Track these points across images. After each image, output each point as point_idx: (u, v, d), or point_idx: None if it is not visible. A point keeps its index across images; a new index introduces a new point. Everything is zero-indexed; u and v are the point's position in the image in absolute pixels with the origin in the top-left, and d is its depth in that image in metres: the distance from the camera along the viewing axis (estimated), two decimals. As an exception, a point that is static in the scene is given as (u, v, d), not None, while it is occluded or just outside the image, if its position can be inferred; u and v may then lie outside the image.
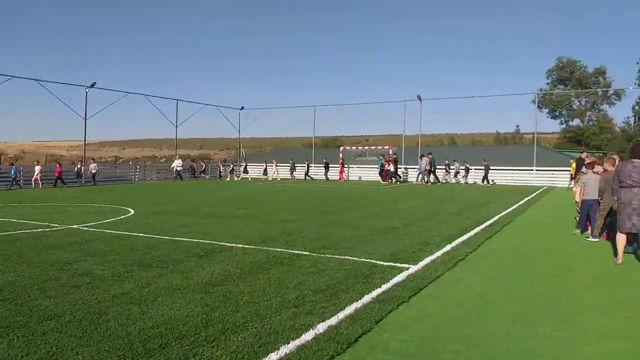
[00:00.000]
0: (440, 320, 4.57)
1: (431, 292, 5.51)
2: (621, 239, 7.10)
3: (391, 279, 5.86)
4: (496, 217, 12.33)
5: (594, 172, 9.60)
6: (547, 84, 59.41)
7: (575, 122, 58.62)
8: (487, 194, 21.66)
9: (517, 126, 64.88)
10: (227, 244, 8.19)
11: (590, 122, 56.99)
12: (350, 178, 35.02)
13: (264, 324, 4.30)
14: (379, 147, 35.89)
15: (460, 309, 4.92)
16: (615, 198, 7.58)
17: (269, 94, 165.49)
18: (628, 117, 55.58)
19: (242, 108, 41.10)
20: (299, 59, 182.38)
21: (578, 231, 9.85)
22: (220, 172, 36.86)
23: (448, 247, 8.07)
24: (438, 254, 7.49)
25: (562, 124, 59.92)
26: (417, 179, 30.24)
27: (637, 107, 53.26)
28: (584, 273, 6.69)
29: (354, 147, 40.88)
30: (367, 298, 5.10)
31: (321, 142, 55.88)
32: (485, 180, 29.59)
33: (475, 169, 30.78)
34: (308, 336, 3.99)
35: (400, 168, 32.18)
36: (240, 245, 8.03)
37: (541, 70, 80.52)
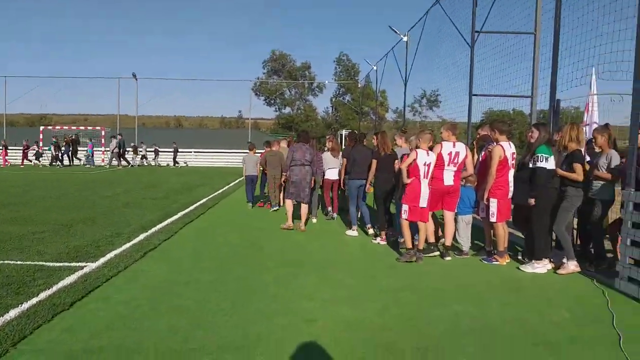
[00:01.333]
0: (99, 329, 4.02)
1: (104, 292, 4.91)
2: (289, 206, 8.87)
3: (56, 284, 4.98)
4: (203, 200, 12.41)
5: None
6: (264, 73, 64.44)
7: (287, 110, 65.49)
8: (199, 177, 21.89)
9: (240, 111, 68.77)
10: None
11: (299, 111, 64.55)
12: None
13: None
14: (96, 128, 32.49)
15: (131, 309, 4.49)
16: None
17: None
18: (327, 107, 65.15)
19: None
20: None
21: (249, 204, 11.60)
22: None
23: (142, 237, 7.54)
24: (126, 246, 6.89)
25: (276, 111, 66.16)
26: (110, 161, 28.57)
27: (333, 99, 62.88)
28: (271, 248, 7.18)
29: (64, 127, 35.63)
30: (13, 313, 4.16)
31: (25, 120, 47.09)
32: (174, 162, 30.42)
33: (166, 151, 31.19)
34: None
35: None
36: None
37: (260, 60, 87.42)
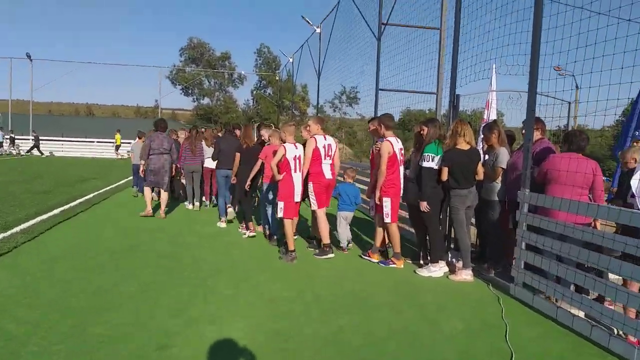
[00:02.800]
0: None
1: None
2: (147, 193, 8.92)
3: None
4: (90, 196, 11.10)
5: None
6: (181, 61, 61.57)
7: (206, 100, 63.14)
8: (97, 168, 20.09)
9: (157, 100, 65.14)
10: None
11: (218, 102, 62.50)
12: None
13: None
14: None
15: None
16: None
17: None
18: (248, 100, 63.69)
19: None
20: None
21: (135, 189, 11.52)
22: None
23: (-6, 239, 6.35)
24: (-35, 251, 5.70)
25: (194, 101, 63.58)
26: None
27: (254, 92, 61.55)
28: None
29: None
30: None
31: None
32: (36, 150, 28.70)
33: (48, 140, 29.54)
34: None
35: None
36: None
37: (177, 48, 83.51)
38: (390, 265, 6.09)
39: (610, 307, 4.04)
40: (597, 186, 4.74)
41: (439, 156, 5.63)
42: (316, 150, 6.33)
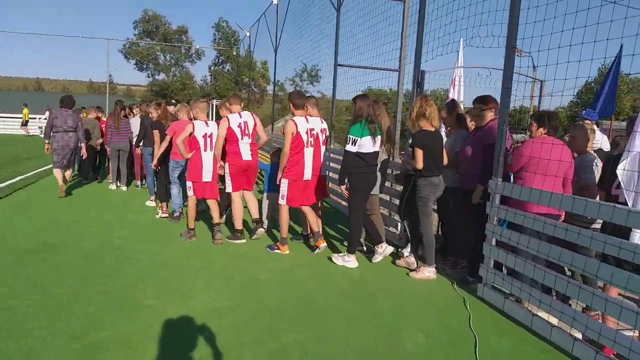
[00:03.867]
0: None
1: None
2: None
3: None
4: (17, 179, 9.90)
5: None
6: (135, 35, 58.54)
7: (162, 76, 60.46)
8: (36, 145, 18.50)
9: (110, 75, 61.83)
10: None
11: (175, 78, 59.95)
12: None
13: None
14: None
15: None
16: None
17: None
18: (206, 75, 61.43)
19: None
20: None
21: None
22: None
23: None
24: None
25: (149, 77, 60.78)
26: None
27: (212, 67, 59.36)
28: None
29: None
30: None
31: None
32: None
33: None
34: None
35: None
36: None
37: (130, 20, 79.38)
38: (275, 251, 5.70)
39: (598, 319, 3.53)
40: (569, 176, 4.24)
41: (363, 138, 4.99)
42: (229, 129, 5.84)
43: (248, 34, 21.31)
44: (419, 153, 4.79)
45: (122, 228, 6.56)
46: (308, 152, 5.54)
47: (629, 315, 3.03)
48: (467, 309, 4.24)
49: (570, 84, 3.83)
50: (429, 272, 5.06)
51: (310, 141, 5.54)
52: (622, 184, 3.66)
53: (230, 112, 5.99)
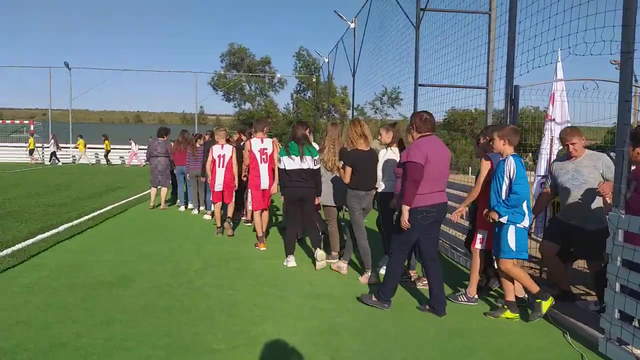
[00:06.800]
0: None
1: None
2: None
3: None
4: (109, 207, 10.38)
5: None
6: (222, 67, 61.87)
7: (247, 105, 63.09)
8: (125, 175, 19.65)
9: (202, 107, 65.99)
10: None
11: (259, 107, 62.29)
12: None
13: None
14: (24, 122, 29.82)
15: None
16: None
17: None
18: (288, 104, 63.17)
19: None
20: None
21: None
22: None
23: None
24: None
25: (235, 107, 63.72)
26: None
27: (294, 95, 60.95)
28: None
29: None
30: None
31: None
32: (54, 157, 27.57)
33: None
34: None
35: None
36: None
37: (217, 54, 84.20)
38: (257, 249, 6.99)
39: None
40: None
41: (285, 157, 6.02)
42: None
43: (327, 60, 21.41)
44: (348, 170, 5.50)
45: (198, 260, 6.43)
46: (263, 167, 7.03)
47: None
48: (586, 371, 3.47)
49: None
50: (345, 271, 5.86)
51: (264, 158, 7.03)
52: None
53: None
